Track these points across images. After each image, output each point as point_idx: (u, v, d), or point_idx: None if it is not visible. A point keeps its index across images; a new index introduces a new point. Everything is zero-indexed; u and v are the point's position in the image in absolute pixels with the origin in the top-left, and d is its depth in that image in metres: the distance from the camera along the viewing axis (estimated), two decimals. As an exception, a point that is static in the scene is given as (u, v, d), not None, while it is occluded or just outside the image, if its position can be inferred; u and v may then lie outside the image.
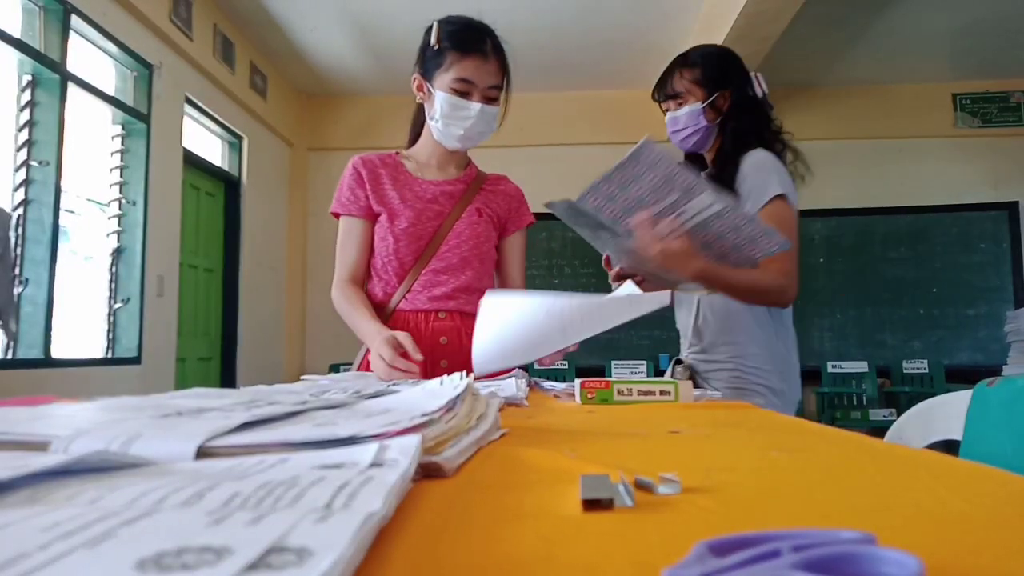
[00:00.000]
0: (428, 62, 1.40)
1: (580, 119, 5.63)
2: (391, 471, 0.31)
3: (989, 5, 4.21)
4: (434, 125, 1.43)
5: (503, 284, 1.56)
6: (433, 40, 1.38)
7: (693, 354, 1.54)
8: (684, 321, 1.58)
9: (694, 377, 1.49)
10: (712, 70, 1.54)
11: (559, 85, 5.50)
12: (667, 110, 1.57)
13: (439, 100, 1.38)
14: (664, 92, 1.58)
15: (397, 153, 1.54)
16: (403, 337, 1.23)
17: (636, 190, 1.21)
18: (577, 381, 0.98)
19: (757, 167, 1.47)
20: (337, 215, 1.49)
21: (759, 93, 1.56)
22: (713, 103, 1.53)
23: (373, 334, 1.30)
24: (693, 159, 1.61)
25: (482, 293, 1.48)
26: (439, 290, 1.43)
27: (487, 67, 1.38)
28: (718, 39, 3.92)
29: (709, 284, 1.35)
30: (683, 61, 1.56)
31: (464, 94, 1.37)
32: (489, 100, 1.39)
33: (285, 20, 4.66)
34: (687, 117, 1.54)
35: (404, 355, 1.22)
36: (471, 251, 1.45)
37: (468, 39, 1.37)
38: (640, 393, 0.95)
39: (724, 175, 1.49)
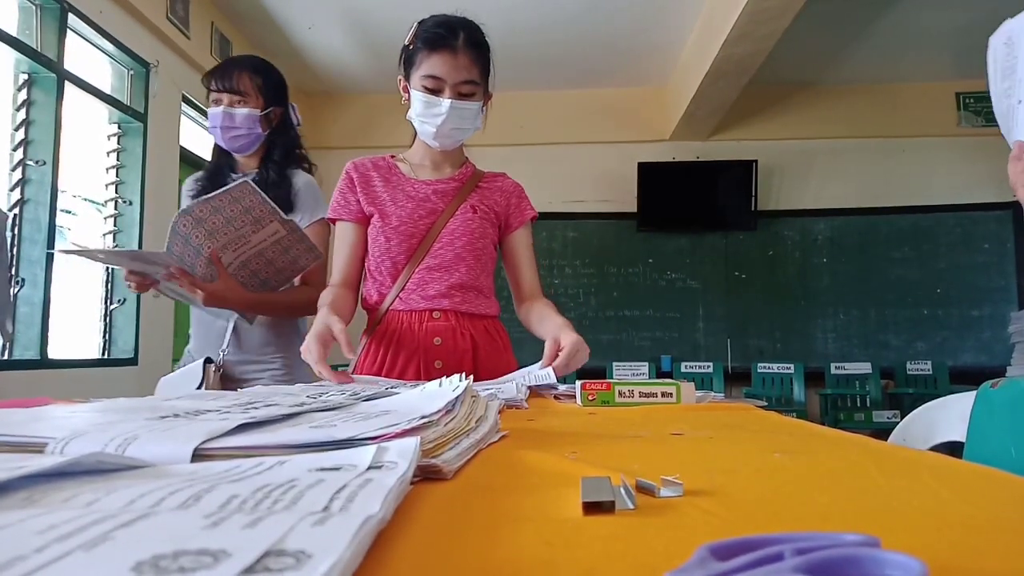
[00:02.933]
0: (406, 62, 1.41)
1: (581, 118, 5.63)
2: (389, 474, 0.31)
3: (993, 3, 4.20)
4: (415, 125, 1.43)
5: (514, 282, 1.55)
6: (409, 40, 1.38)
7: (231, 356, 1.62)
8: (210, 327, 1.65)
9: (229, 379, 1.59)
10: (273, 85, 1.67)
11: (560, 84, 5.50)
12: (218, 102, 1.62)
13: (414, 99, 1.38)
14: (226, 84, 1.62)
15: (392, 156, 1.54)
16: (338, 331, 1.19)
17: (217, 222, 1.38)
18: (578, 383, 0.98)
19: (308, 187, 1.68)
20: (331, 221, 1.49)
21: (296, 121, 1.75)
22: (268, 115, 1.66)
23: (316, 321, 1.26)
24: (222, 156, 1.70)
25: (479, 291, 1.47)
26: (433, 288, 1.42)
27: (457, 62, 1.35)
28: (720, 37, 3.92)
29: (253, 311, 1.57)
30: (251, 64, 1.67)
31: (434, 91, 1.36)
32: (462, 96, 1.37)
33: (283, 18, 4.65)
34: (245, 119, 1.63)
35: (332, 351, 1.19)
36: (465, 247, 1.44)
37: (436, 36, 1.36)
38: (641, 395, 0.95)
39: (282, 189, 1.64)
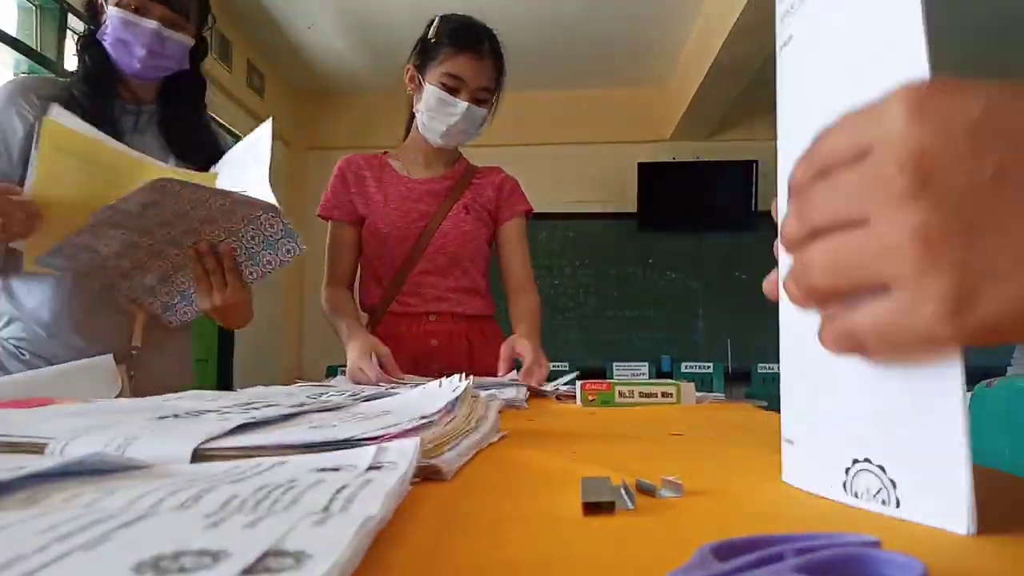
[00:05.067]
0: (423, 54, 1.40)
1: (581, 118, 5.63)
2: (389, 474, 0.31)
3: (991, 5, 4.21)
4: (419, 118, 1.43)
5: (506, 277, 1.54)
6: (432, 33, 1.38)
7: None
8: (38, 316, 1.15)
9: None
10: (207, 6, 1.24)
11: (560, 84, 5.50)
12: (144, 11, 1.12)
13: (427, 93, 1.37)
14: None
15: (385, 153, 1.53)
16: (384, 355, 1.22)
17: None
18: (578, 383, 0.98)
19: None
20: (323, 217, 1.49)
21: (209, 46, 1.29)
22: (196, 45, 1.22)
23: (353, 338, 1.29)
24: (110, 73, 1.17)
25: (476, 292, 1.47)
26: (429, 291, 1.42)
27: (480, 67, 1.37)
28: (719, 38, 3.92)
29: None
30: None
31: (453, 90, 1.36)
32: (478, 101, 1.38)
33: (283, 18, 4.65)
34: (179, 49, 1.17)
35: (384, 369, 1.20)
36: (459, 250, 1.45)
37: (465, 36, 1.37)
38: (642, 395, 0.95)
39: (209, 141, 1.27)
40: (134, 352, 1.15)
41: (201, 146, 1.24)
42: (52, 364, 1.09)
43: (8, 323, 1.16)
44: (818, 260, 0.29)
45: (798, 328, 0.35)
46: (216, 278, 1.05)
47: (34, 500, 0.26)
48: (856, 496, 0.31)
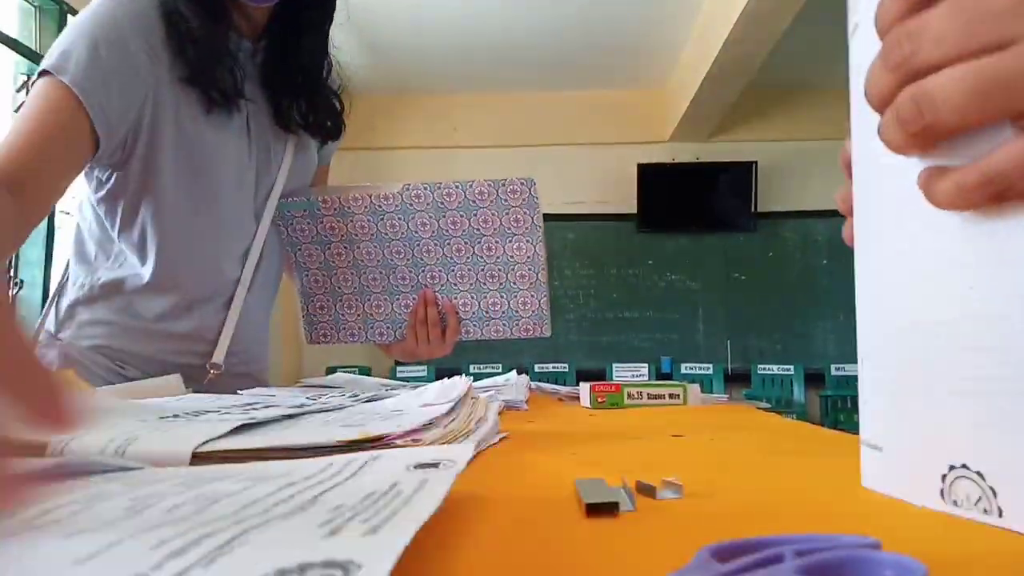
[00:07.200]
0: None
1: (580, 119, 5.63)
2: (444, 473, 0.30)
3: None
4: None
5: None
6: None
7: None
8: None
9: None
10: None
11: (559, 85, 5.50)
12: None
13: None
14: None
15: None
16: None
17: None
18: (584, 385, 0.98)
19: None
20: None
21: None
22: None
23: None
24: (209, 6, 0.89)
25: None
26: None
27: None
28: (719, 39, 3.92)
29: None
30: None
31: None
32: None
33: (284, 21, 4.66)
34: None
35: None
36: None
37: None
38: (650, 396, 0.96)
39: (324, 97, 1.05)
40: (212, 372, 0.96)
41: (317, 94, 1.02)
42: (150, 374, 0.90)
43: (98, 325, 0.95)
44: (947, 90, 0.26)
45: (884, 328, 0.34)
46: (433, 331, 0.97)
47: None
48: (956, 504, 0.29)
